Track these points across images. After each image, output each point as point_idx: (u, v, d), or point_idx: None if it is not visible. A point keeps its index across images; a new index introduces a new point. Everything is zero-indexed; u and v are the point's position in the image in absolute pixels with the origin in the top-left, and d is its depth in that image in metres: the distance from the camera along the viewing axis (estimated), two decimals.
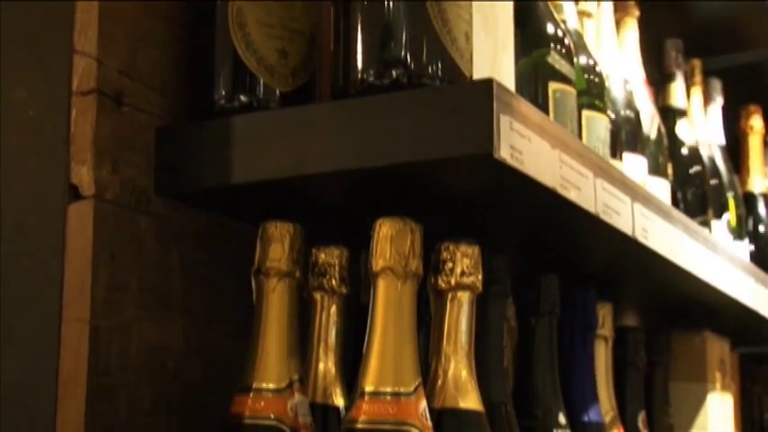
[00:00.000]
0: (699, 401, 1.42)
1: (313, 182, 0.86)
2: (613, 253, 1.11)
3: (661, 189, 1.31)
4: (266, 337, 0.85)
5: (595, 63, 1.17)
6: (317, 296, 0.93)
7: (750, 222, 1.76)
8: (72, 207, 0.83)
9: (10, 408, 0.80)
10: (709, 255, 1.23)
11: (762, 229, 1.79)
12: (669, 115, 1.55)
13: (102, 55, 0.84)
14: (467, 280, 0.87)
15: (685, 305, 1.36)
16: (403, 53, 0.83)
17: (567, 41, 1.06)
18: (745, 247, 1.67)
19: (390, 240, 0.80)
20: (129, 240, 0.85)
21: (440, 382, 0.87)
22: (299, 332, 0.88)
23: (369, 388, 0.79)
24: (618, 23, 1.40)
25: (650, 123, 1.37)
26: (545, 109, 1.00)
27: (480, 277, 0.88)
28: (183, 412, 0.89)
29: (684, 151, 1.55)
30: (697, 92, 1.72)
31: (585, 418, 1.11)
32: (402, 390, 0.78)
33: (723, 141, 1.78)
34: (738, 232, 1.62)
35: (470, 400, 0.87)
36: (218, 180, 0.87)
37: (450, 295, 0.87)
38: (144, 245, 0.87)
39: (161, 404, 0.87)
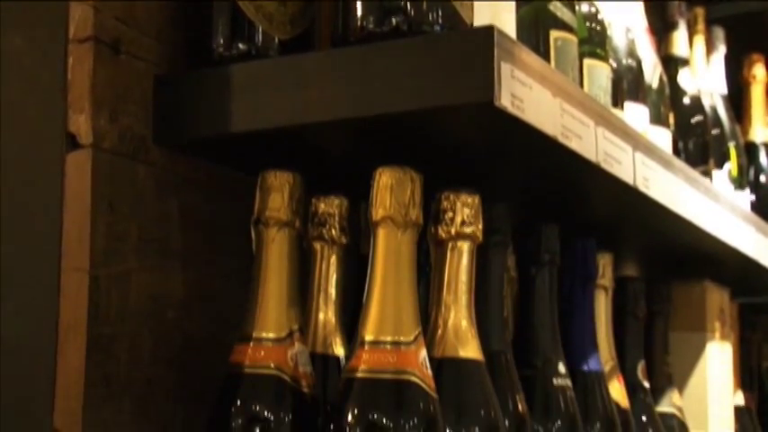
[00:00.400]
0: (698, 351, 1.42)
1: (312, 131, 0.85)
2: (614, 202, 1.11)
3: (662, 138, 1.30)
4: (266, 287, 0.85)
5: (597, 11, 1.16)
6: (317, 246, 0.93)
7: (751, 172, 1.75)
8: (70, 156, 0.82)
9: (10, 357, 0.80)
10: (710, 204, 1.23)
11: (763, 178, 1.79)
12: (671, 64, 1.53)
13: (99, 2, 0.83)
14: (467, 230, 0.87)
15: (686, 255, 1.36)
16: (403, 0, 0.82)
17: None
18: (746, 196, 1.66)
19: (390, 189, 0.80)
20: (127, 190, 0.85)
21: (440, 331, 0.87)
22: (299, 282, 0.88)
23: (369, 337, 0.79)
24: None
25: (652, 72, 1.36)
26: (546, 57, 0.99)
27: (480, 227, 0.87)
28: (183, 361, 0.89)
29: (686, 100, 1.54)
30: (700, 40, 1.71)
31: (585, 368, 1.12)
32: (402, 339, 0.78)
33: (725, 91, 1.77)
34: (739, 182, 1.62)
35: (470, 350, 0.87)
36: (217, 129, 0.87)
37: (450, 245, 0.87)
38: (143, 194, 0.86)
39: (161, 353, 0.87)
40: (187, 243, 0.91)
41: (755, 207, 1.60)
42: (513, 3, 0.91)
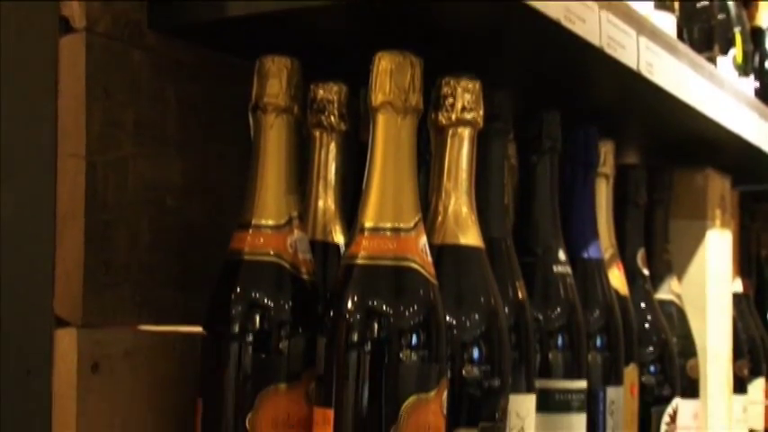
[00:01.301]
0: (698, 239, 1.42)
1: (311, 14, 0.84)
2: (617, 88, 1.09)
3: (667, 23, 1.28)
4: (265, 174, 0.84)
5: None
6: (316, 133, 0.92)
7: (756, 58, 1.73)
8: (63, 40, 0.81)
9: (9, 245, 0.79)
10: (713, 90, 1.21)
11: None
12: None
13: None
14: (468, 115, 0.86)
15: (688, 142, 1.35)
16: None
17: None
18: (751, 83, 1.64)
19: (390, 74, 0.78)
20: (122, 75, 0.84)
21: (440, 218, 0.87)
22: (299, 170, 0.87)
23: (368, 224, 0.78)
24: None
25: None
26: None
27: (481, 113, 0.86)
28: (182, 249, 0.89)
29: None
30: None
31: (585, 255, 1.12)
32: (402, 225, 0.78)
33: None
34: (744, 68, 1.59)
35: (470, 236, 0.87)
36: (213, 13, 0.85)
37: (450, 131, 0.86)
38: (138, 80, 0.85)
39: (160, 240, 0.87)
40: (184, 130, 0.90)
41: (759, 94, 1.58)
42: None
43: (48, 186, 0.80)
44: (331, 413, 0.76)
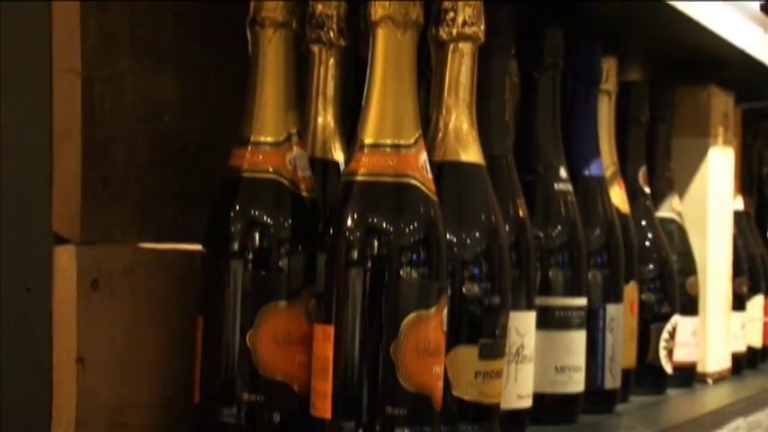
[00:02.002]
0: (700, 156, 1.42)
1: None
2: (620, 3, 1.08)
3: None
4: (263, 90, 0.83)
5: None
6: (315, 49, 0.91)
7: None
8: None
9: (6, 162, 0.79)
10: (718, 4, 1.20)
11: None
12: None
13: None
14: (468, 30, 0.84)
15: (691, 59, 1.33)
16: None
17: None
18: None
19: None
20: None
21: (440, 135, 0.86)
22: (298, 86, 0.86)
23: (368, 140, 0.78)
24: None
25: None
26: None
27: (482, 28, 0.85)
28: (180, 166, 0.88)
29: None
30: None
31: (586, 173, 1.11)
32: (402, 142, 0.77)
33: None
34: None
35: (471, 153, 0.86)
36: None
37: (451, 46, 0.85)
38: None
39: (158, 157, 0.86)
40: (181, 44, 0.88)
41: (765, 8, 1.56)
42: None
43: (43, 103, 0.79)
44: (331, 330, 0.76)
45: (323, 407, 0.76)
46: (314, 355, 0.78)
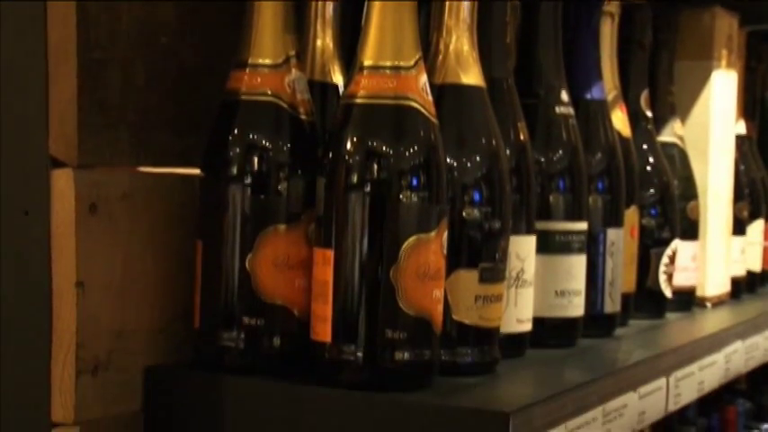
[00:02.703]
0: (703, 79, 1.40)
1: None
2: None
3: None
4: (261, 11, 0.82)
5: None
6: None
7: None
8: None
9: (2, 84, 0.78)
10: None
11: None
12: None
13: None
14: None
15: None
16: None
17: None
18: None
19: None
20: None
21: (441, 57, 0.85)
22: (296, 8, 0.84)
23: (368, 62, 0.77)
24: None
25: None
26: None
27: None
28: (178, 89, 0.87)
29: None
30: None
31: (588, 96, 1.10)
32: (402, 63, 0.76)
33: None
34: None
35: (472, 76, 0.85)
36: None
37: None
38: None
39: (155, 81, 0.85)
40: None
41: None
42: None
43: (38, 26, 0.77)
44: (331, 253, 0.76)
45: (323, 330, 0.76)
46: (313, 279, 0.78)
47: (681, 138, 1.37)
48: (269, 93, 0.81)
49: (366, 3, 0.78)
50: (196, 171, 0.83)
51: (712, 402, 1.62)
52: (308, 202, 0.81)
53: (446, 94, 0.84)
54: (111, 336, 0.81)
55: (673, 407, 1.04)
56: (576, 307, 1.02)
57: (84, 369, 0.78)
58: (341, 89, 0.89)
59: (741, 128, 1.59)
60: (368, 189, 0.75)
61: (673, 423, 1.59)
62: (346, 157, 0.76)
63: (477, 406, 0.73)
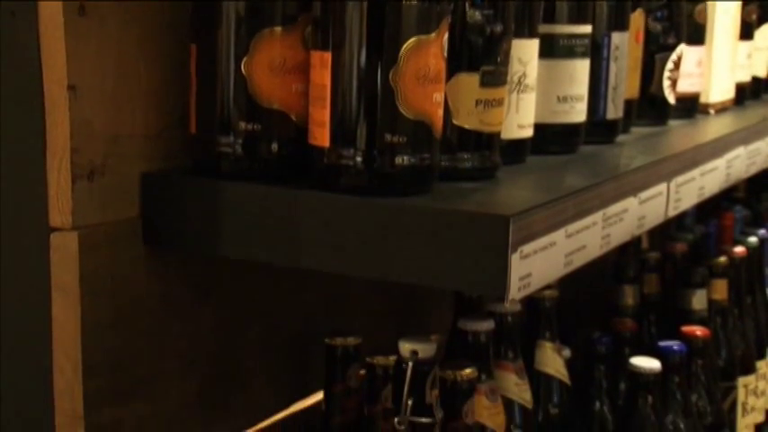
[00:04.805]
0: None
1: None
2: None
3: None
4: None
5: None
6: None
7: None
8: None
9: None
10: None
11: None
12: None
13: None
14: None
15: None
16: None
17: None
18: None
19: None
20: None
21: None
22: None
23: None
24: None
25: None
26: None
27: None
28: None
29: None
30: None
31: None
32: None
33: None
34: None
35: None
36: None
37: None
38: None
39: None
40: None
41: None
42: None
43: None
44: (329, 56, 0.74)
45: (321, 135, 0.75)
46: (311, 83, 0.76)
47: None
48: None
49: None
50: None
51: (711, 211, 1.63)
52: (304, 4, 0.78)
53: None
54: (106, 141, 0.79)
55: (672, 212, 1.04)
56: (578, 113, 1.01)
57: (79, 174, 0.77)
58: None
59: None
60: None
61: (671, 230, 1.60)
62: None
63: (477, 209, 0.73)
